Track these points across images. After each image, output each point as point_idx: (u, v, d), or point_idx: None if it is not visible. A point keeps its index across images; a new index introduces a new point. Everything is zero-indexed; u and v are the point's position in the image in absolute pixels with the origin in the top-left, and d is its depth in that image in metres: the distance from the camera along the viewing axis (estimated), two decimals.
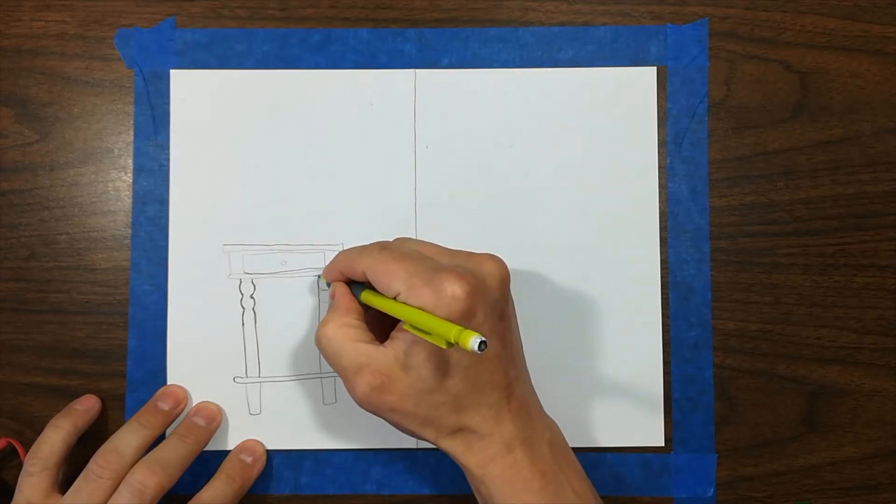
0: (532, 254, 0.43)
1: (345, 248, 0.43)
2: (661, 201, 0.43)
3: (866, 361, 0.43)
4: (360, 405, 0.35)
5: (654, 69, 0.44)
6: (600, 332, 0.43)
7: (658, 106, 0.43)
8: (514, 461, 0.35)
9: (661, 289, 0.43)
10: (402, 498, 0.43)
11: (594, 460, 0.43)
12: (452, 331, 0.30)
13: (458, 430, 0.35)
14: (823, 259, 0.43)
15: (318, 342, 0.37)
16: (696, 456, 0.43)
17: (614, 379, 0.43)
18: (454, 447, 0.35)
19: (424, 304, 0.33)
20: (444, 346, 0.31)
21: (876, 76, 0.44)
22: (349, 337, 0.36)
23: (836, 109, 0.44)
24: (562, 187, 0.43)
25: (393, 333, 0.36)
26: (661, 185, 0.43)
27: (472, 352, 0.29)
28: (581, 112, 0.43)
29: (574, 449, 0.42)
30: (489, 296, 0.35)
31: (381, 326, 0.37)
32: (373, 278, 0.36)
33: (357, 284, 0.38)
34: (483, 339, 0.29)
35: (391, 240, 0.39)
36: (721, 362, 0.43)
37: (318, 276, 0.43)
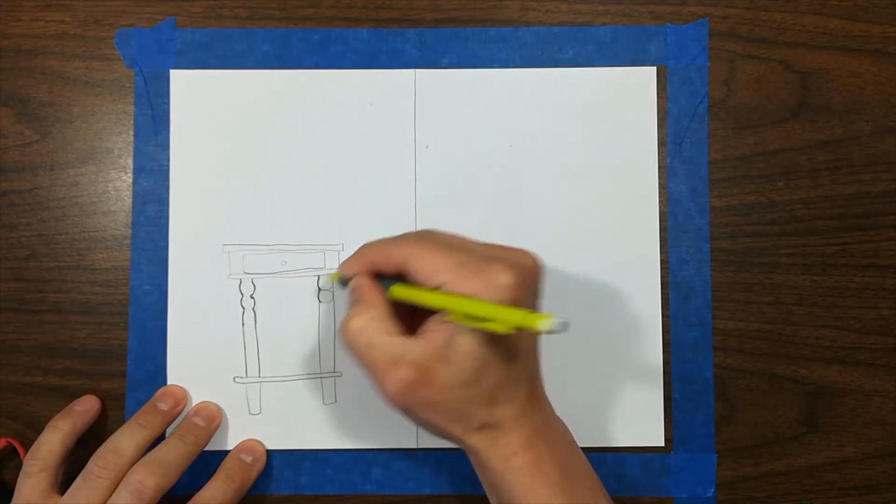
0: None
1: (345, 248, 0.43)
2: (660, 201, 0.43)
3: (866, 361, 0.43)
4: (391, 401, 0.34)
5: (654, 69, 0.44)
6: (600, 332, 0.43)
7: (658, 106, 0.43)
8: (535, 455, 0.35)
9: (661, 289, 0.43)
10: (402, 498, 0.43)
11: (594, 460, 0.42)
12: (518, 315, 0.30)
13: (486, 425, 0.35)
14: (823, 259, 0.43)
15: (346, 336, 0.35)
16: (696, 456, 0.43)
17: (614, 379, 0.43)
18: (479, 442, 0.35)
19: (474, 294, 0.33)
20: (505, 331, 0.31)
21: (876, 76, 0.44)
22: (381, 329, 0.35)
23: (836, 109, 0.44)
24: (562, 187, 0.43)
25: (428, 325, 0.35)
26: (661, 185, 0.43)
27: (546, 332, 0.29)
28: (581, 112, 0.43)
29: None
30: (533, 288, 0.35)
31: (403, 324, 0.36)
32: (414, 268, 0.35)
33: (384, 279, 0.37)
34: (563, 319, 0.29)
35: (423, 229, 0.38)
36: (721, 362, 0.43)
37: (319, 277, 0.43)
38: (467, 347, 0.33)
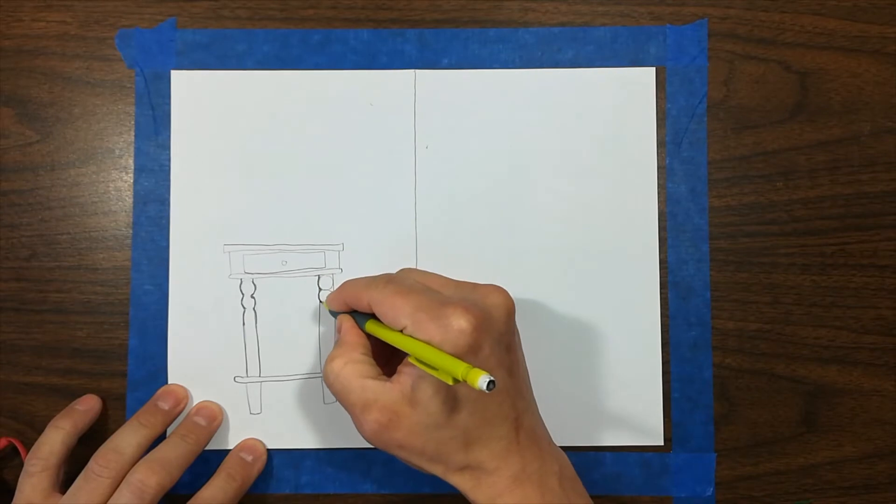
0: (531, 253, 0.43)
1: (345, 248, 0.43)
2: (660, 201, 0.43)
3: (865, 361, 0.43)
4: (369, 442, 0.35)
5: (653, 69, 0.44)
6: (600, 332, 0.43)
7: (657, 106, 0.44)
8: (523, 496, 0.34)
9: (661, 289, 0.43)
10: (402, 497, 0.43)
11: (594, 460, 0.43)
12: (460, 368, 0.30)
13: (467, 466, 0.34)
14: (822, 259, 0.43)
15: (326, 378, 0.36)
16: (696, 455, 0.43)
17: (614, 379, 0.43)
18: (463, 483, 0.35)
19: (431, 339, 0.33)
20: (450, 383, 0.31)
21: (875, 76, 0.44)
22: (356, 373, 0.35)
23: (835, 110, 0.44)
24: (561, 187, 0.43)
25: (400, 368, 0.35)
26: (660, 185, 0.43)
27: (480, 390, 0.29)
28: (581, 112, 0.43)
29: (574, 448, 0.42)
30: (495, 328, 0.34)
31: (384, 356, 0.38)
32: (379, 312, 0.35)
33: (361, 314, 0.38)
34: (491, 378, 0.29)
35: (395, 272, 0.39)
36: (720, 362, 0.43)
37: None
38: (431, 391, 0.34)
